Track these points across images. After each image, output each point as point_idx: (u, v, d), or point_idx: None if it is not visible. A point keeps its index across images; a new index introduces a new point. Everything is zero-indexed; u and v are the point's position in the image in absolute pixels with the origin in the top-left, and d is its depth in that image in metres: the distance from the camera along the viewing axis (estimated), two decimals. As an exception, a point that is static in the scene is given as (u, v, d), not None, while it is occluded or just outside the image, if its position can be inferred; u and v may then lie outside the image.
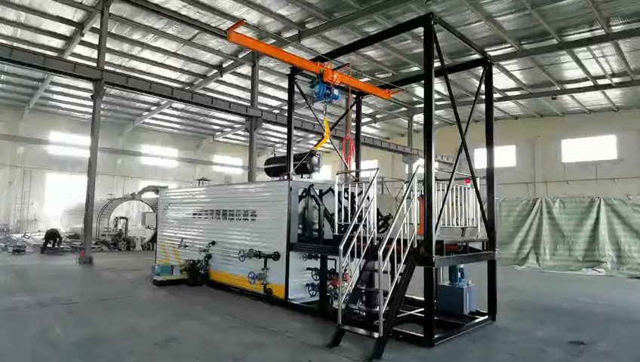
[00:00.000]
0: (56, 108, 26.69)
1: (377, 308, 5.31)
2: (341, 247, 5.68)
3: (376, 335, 5.19)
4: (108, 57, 18.82)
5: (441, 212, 6.00)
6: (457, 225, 6.86)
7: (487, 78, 7.52)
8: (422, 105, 27.35)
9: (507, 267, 14.28)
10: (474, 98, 7.42)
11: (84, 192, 28.51)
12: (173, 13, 15.40)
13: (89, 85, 20.08)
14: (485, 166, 7.38)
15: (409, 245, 5.63)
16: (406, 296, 8.00)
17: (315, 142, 27.46)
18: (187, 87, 21.87)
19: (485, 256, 6.95)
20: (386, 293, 5.29)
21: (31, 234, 22.33)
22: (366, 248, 5.94)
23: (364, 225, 6.09)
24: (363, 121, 28.94)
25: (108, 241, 18.37)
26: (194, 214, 10.75)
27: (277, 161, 9.97)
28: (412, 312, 6.93)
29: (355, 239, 5.84)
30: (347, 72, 8.49)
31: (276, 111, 22.89)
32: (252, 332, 6.11)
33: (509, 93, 22.40)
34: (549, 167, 25.90)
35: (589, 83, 20.02)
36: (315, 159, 8.90)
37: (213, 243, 9.70)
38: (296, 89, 8.49)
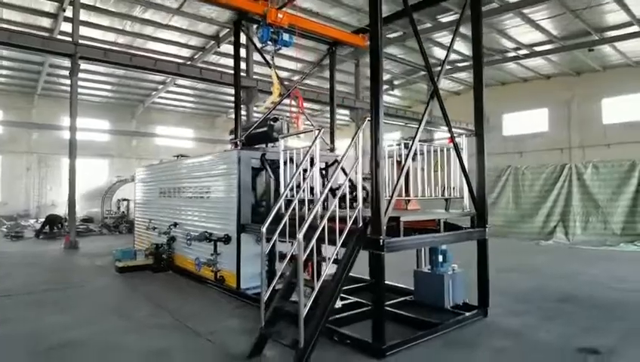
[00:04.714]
0: (65, 93, 26.41)
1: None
2: (263, 229, 4.38)
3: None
4: (100, 34, 18.03)
5: (399, 179, 4.53)
6: (441, 196, 5.42)
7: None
8: (444, 68, 25.32)
9: (531, 242, 12.55)
10: (458, 16, 5.71)
11: (99, 176, 28.16)
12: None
13: (92, 66, 19.51)
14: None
15: (349, 223, 4.24)
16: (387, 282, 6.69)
17: (328, 116, 26.08)
18: (188, 62, 20.78)
19: (472, 235, 5.44)
20: (312, 290, 3.98)
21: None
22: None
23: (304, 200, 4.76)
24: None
25: (109, 224, 17.92)
26: (160, 193, 9.72)
27: (243, 130, 8.63)
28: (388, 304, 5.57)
29: (286, 218, 4.53)
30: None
31: (286, 82, 21.42)
32: (171, 333, 5.00)
33: (537, 48, 19.68)
34: (587, 131, 23.03)
35: (635, 28, 17.10)
36: (277, 124, 7.50)
37: (175, 224, 8.64)
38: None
